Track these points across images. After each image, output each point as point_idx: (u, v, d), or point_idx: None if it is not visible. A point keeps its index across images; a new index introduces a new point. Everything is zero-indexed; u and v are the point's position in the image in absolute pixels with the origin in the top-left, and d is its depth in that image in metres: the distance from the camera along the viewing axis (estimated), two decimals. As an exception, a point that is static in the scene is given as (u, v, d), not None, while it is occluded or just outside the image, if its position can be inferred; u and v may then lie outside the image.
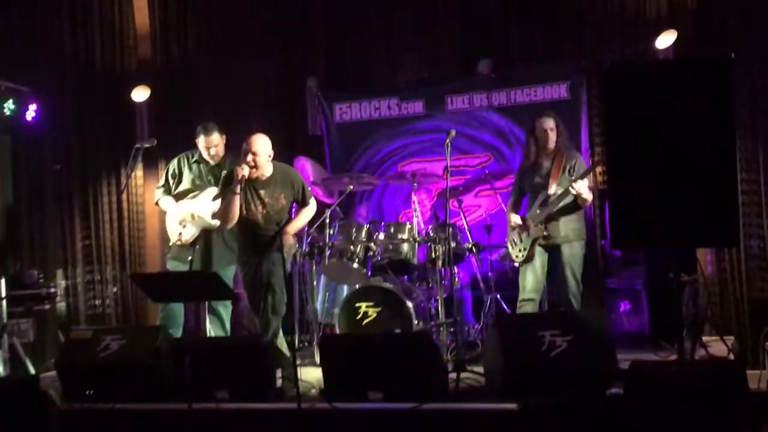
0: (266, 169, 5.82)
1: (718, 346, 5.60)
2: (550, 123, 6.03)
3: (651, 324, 6.50)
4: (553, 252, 5.99)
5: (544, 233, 5.94)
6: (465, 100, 8.02)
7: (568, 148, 6.16)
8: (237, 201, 5.70)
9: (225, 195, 5.73)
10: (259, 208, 5.82)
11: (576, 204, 5.93)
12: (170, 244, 6.31)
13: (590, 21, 7.78)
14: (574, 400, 4.33)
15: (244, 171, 5.62)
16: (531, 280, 6.01)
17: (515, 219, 6.13)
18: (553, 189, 5.94)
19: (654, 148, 4.14)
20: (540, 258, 6.01)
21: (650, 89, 4.20)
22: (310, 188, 6.17)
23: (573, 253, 5.95)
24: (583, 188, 5.76)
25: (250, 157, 5.68)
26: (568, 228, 5.96)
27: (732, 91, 4.16)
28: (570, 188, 5.75)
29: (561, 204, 5.90)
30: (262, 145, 5.75)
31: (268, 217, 5.82)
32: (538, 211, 5.98)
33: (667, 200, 4.12)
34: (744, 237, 6.23)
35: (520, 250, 6.07)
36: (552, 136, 6.02)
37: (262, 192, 5.82)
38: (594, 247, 7.39)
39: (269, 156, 5.81)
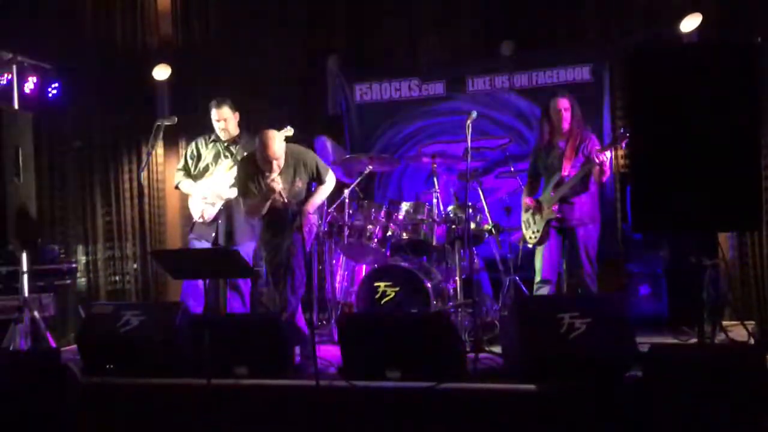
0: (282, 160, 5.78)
1: (738, 331, 5.58)
2: (564, 103, 5.99)
3: (671, 308, 6.48)
4: (568, 234, 5.99)
5: (558, 215, 5.93)
6: (486, 81, 8.00)
7: (583, 128, 6.12)
8: (269, 202, 5.73)
9: (246, 189, 5.74)
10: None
11: (584, 184, 5.90)
12: (193, 221, 6.34)
13: (614, 3, 7.72)
14: (592, 382, 4.33)
15: (279, 187, 5.59)
16: (547, 262, 6.01)
17: (529, 201, 6.13)
18: (567, 170, 5.92)
19: (677, 131, 4.11)
20: (555, 240, 6.01)
21: (674, 73, 4.16)
22: (325, 164, 6.13)
23: (587, 235, 5.94)
24: (606, 159, 5.75)
25: (275, 164, 5.62)
26: (583, 210, 5.95)
27: (757, 76, 4.12)
28: (595, 158, 5.71)
29: (573, 183, 5.89)
30: (278, 147, 5.65)
31: (287, 200, 5.80)
32: (552, 193, 5.97)
33: (689, 184, 4.09)
34: (766, 221, 6.18)
35: (533, 232, 6.07)
36: (566, 117, 5.98)
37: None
38: (615, 231, 7.38)
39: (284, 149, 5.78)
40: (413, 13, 8.41)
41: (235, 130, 6.35)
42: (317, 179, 5.96)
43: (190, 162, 6.41)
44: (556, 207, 5.93)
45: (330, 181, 6.00)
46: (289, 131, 6.18)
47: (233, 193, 6.12)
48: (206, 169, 6.32)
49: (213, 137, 6.37)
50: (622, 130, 5.88)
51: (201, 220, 6.23)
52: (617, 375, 4.42)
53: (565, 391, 4.32)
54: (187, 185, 6.37)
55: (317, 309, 7.02)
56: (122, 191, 8.42)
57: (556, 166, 6.01)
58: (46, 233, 7.87)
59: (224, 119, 6.27)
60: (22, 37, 7.72)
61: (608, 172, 5.88)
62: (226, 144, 6.33)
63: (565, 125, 5.99)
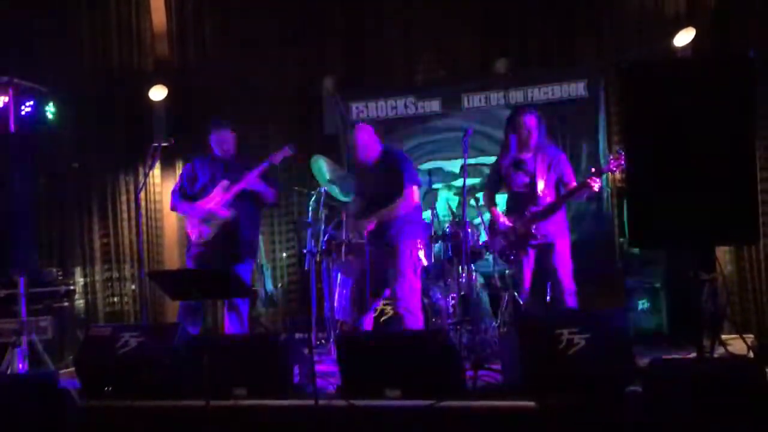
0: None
1: (737, 344, 5.57)
2: (531, 120, 5.98)
3: (670, 322, 6.47)
4: (544, 251, 5.98)
5: (534, 232, 5.92)
6: (482, 98, 8.02)
7: (549, 144, 6.13)
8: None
9: None
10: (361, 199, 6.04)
11: (560, 204, 5.95)
12: (191, 243, 6.32)
13: (608, 18, 7.77)
14: (592, 398, 4.32)
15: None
16: (529, 278, 6.03)
17: (505, 220, 6.08)
18: (541, 186, 5.91)
19: (673, 146, 4.11)
20: (531, 255, 6.01)
21: (669, 87, 4.17)
22: (414, 177, 6.03)
23: (563, 251, 5.96)
24: (598, 184, 5.80)
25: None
26: (557, 224, 5.99)
27: (751, 89, 4.12)
28: (590, 181, 5.73)
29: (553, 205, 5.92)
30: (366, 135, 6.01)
31: (371, 205, 5.97)
32: (527, 213, 5.95)
33: (686, 198, 4.09)
34: (763, 234, 6.19)
35: (513, 252, 6.05)
36: (534, 134, 5.98)
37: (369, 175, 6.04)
38: (612, 245, 7.39)
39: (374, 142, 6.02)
40: (409, 32, 8.45)
41: (233, 151, 6.36)
42: (397, 187, 5.90)
43: (186, 183, 6.41)
44: (534, 226, 5.92)
45: (407, 197, 5.90)
46: (287, 152, 6.21)
47: (231, 213, 6.11)
48: (203, 190, 6.31)
49: (209, 158, 6.37)
50: (616, 153, 5.87)
51: (199, 240, 6.22)
52: (617, 390, 4.40)
53: (565, 407, 4.30)
54: (184, 207, 6.35)
55: (315, 328, 7.01)
56: (120, 213, 8.41)
57: (528, 183, 5.99)
58: (44, 255, 7.85)
59: (226, 141, 6.27)
60: (18, 59, 7.74)
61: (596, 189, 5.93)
62: (222, 164, 6.32)
63: (532, 143, 5.98)
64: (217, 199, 6.16)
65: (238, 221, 6.15)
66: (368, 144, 5.95)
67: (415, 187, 5.92)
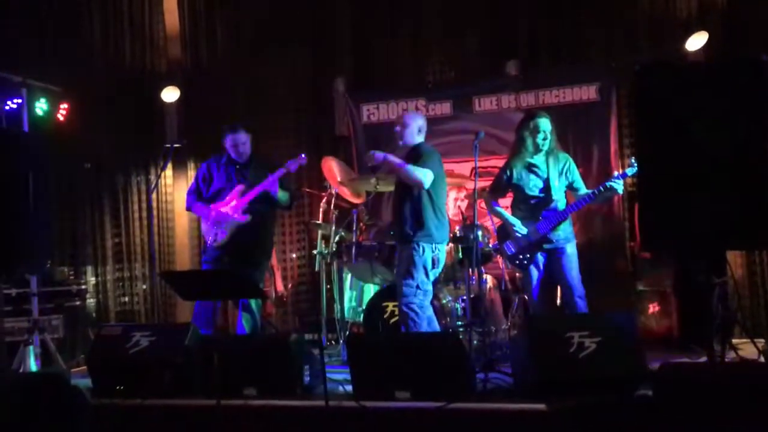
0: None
1: (748, 349, 5.56)
2: (548, 124, 5.93)
3: (680, 326, 6.44)
4: (554, 256, 5.94)
5: (549, 236, 5.90)
6: (493, 101, 8.01)
7: (558, 148, 6.11)
8: None
9: None
10: None
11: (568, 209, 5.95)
12: (206, 246, 6.33)
13: (620, 22, 7.76)
14: (602, 401, 4.31)
15: None
16: (538, 282, 6.00)
17: (521, 228, 6.02)
18: (555, 191, 5.89)
19: (685, 150, 4.11)
20: (540, 261, 6.00)
21: (681, 91, 4.16)
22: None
23: (572, 254, 5.92)
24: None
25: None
26: (566, 230, 5.95)
27: (764, 93, 4.12)
28: (614, 185, 5.73)
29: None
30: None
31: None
32: (542, 217, 5.93)
33: (697, 202, 4.09)
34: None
35: (524, 257, 6.01)
36: (549, 138, 5.94)
37: None
38: (623, 249, 7.38)
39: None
40: (419, 34, 8.46)
41: (248, 152, 6.35)
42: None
43: (202, 185, 6.41)
44: (551, 231, 5.91)
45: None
46: (302, 160, 6.23)
47: (246, 217, 6.12)
48: (219, 192, 6.32)
49: (224, 160, 6.37)
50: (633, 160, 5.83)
51: (214, 244, 6.23)
52: (627, 393, 4.41)
53: (576, 410, 4.30)
54: (199, 208, 6.36)
55: (326, 329, 7.02)
56: (131, 213, 8.45)
57: (543, 188, 5.96)
58: (56, 255, 7.88)
59: (242, 143, 6.27)
60: (31, 60, 7.78)
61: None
62: (238, 167, 6.32)
63: (546, 147, 5.95)
64: (233, 203, 6.17)
65: (254, 225, 6.15)
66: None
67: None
